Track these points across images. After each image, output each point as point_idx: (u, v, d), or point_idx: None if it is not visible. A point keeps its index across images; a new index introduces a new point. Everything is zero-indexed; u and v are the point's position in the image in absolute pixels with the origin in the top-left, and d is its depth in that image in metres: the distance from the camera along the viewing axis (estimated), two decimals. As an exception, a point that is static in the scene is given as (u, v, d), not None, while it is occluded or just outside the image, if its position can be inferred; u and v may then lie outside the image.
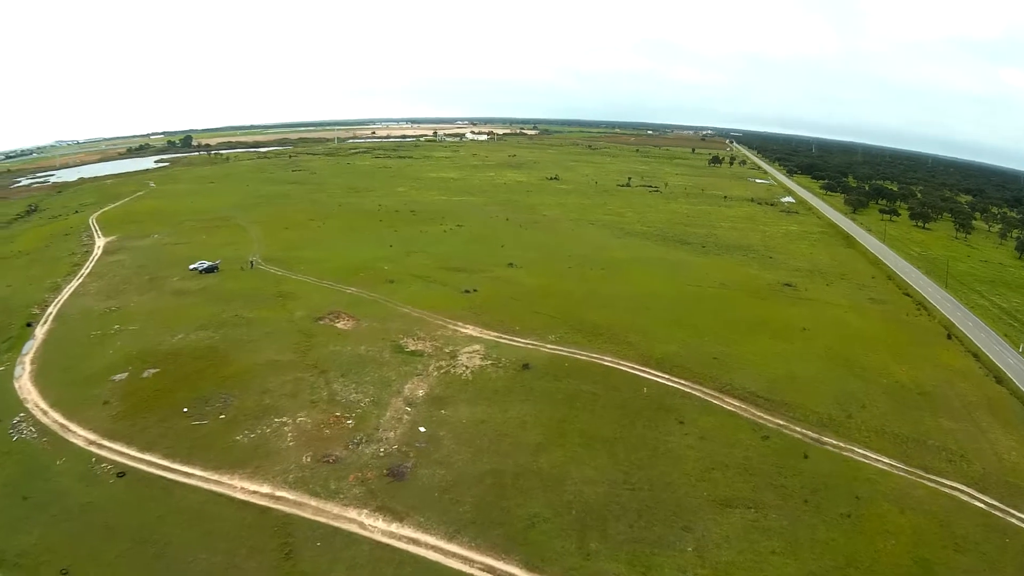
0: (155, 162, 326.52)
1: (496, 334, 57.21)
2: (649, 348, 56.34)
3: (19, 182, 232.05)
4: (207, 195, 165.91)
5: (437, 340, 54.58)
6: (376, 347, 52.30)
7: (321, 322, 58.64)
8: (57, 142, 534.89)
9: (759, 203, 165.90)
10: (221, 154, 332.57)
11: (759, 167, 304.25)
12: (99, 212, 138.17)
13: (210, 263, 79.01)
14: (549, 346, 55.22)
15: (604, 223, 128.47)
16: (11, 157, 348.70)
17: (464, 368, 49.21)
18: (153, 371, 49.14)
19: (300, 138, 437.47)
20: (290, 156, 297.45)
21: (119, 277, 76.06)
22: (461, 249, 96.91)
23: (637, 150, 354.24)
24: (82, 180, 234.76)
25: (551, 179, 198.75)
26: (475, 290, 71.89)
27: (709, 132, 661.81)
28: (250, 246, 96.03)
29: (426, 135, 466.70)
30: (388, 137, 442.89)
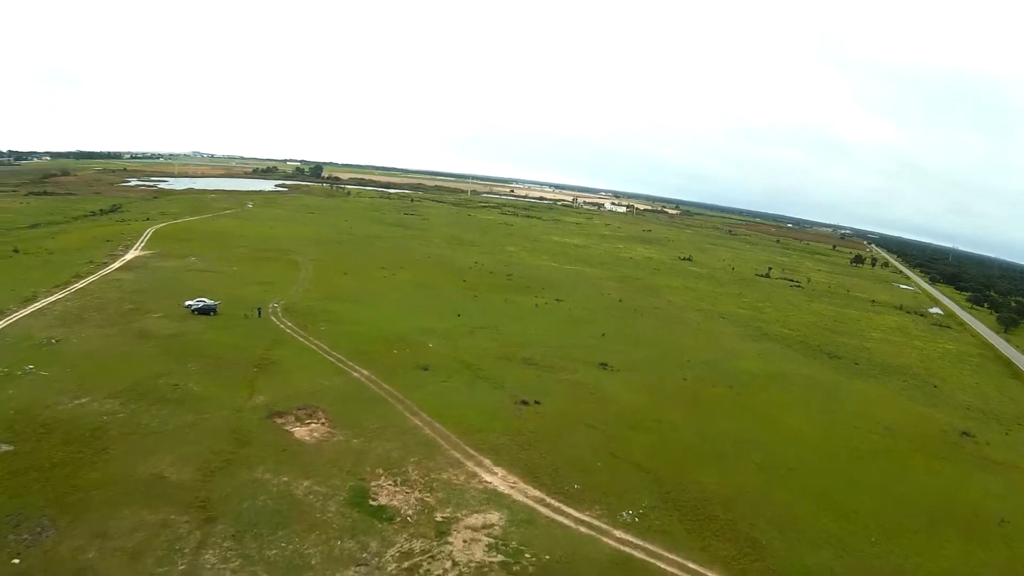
0: (275, 186, 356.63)
1: (536, 494, 38.20)
2: (790, 559, 34.97)
3: (128, 182, 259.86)
4: (292, 225, 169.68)
5: (432, 492, 36.63)
6: (327, 487, 35.79)
7: (277, 421, 43.68)
8: (194, 152, 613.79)
9: (908, 312, 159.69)
10: (344, 188, 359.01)
11: (900, 272, 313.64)
12: (165, 224, 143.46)
13: (208, 303, 70.11)
14: (618, 534, 35.17)
15: (738, 319, 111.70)
16: (137, 158, 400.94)
17: (447, 568, 31.20)
18: (6, 448, 37.47)
19: (437, 186, 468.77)
20: (412, 200, 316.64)
21: (100, 301, 68.70)
22: (546, 333, 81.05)
23: (778, 241, 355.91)
24: (188, 191, 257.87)
25: (684, 259, 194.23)
26: (537, 402, 53.78)
27: (847, 232, 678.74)
28: (284, 289, 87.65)
29: (564, 200, 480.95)
30: (525, 197, 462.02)
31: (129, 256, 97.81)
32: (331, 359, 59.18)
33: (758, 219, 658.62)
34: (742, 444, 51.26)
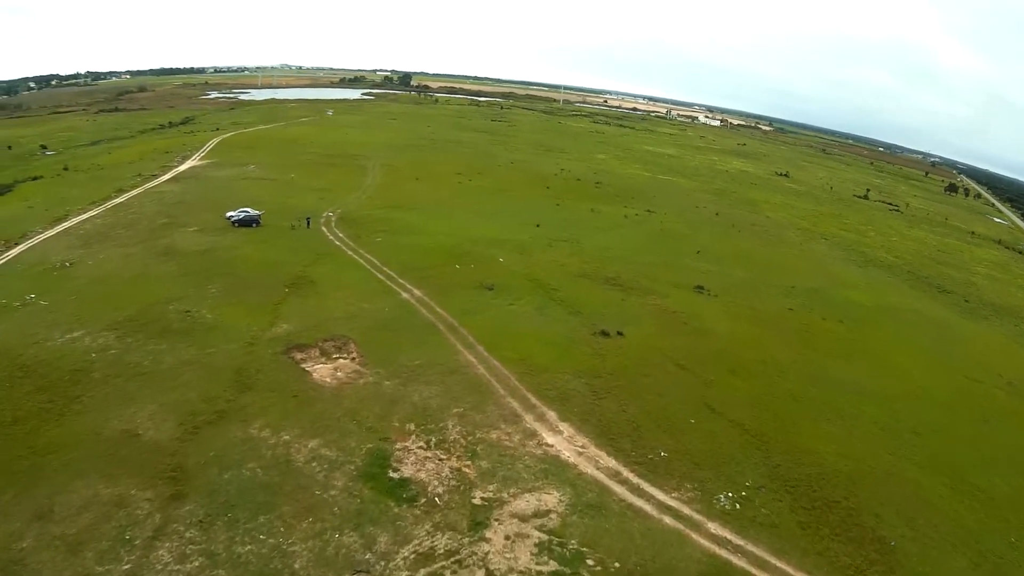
0: (361, 94, 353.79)
1: (610, 464, 29.04)
2: (923, 568, 26.11)
3: (208, 95, 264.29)
4: (368, 131, 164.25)
5: (474, 461, 28.18)
6: (338, 450, 28.13)
7: (296, 357, 36.69)
8: (282, 65, 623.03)
9: (1008, 248, 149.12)
10: (432, 96, 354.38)
11: (992, 204, 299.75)
12: (233, 134, 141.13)
13: (251, 213, 64.38)
14: (713, 528, 25.71)
15: (840, 241, 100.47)
16: (220, 71, 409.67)
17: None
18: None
19: (528, 95, 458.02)
20: (501, 107, 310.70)
21: (134, 216, 64.52)
22: (634, 248, 71.46)
23: (872, 163, 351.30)
24: (268, 101, 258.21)
25: (781, 175, 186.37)
26: (620, 333, 44.08)
27: (936, 160, 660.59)
28: (345, 196, 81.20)
29: (657, 112, 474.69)
30: (618, 108, 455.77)
31: (183, 167, 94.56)
32: (379, 276, 51.62)
33: (849, 140, 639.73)
34: (860, 396, 41.20)
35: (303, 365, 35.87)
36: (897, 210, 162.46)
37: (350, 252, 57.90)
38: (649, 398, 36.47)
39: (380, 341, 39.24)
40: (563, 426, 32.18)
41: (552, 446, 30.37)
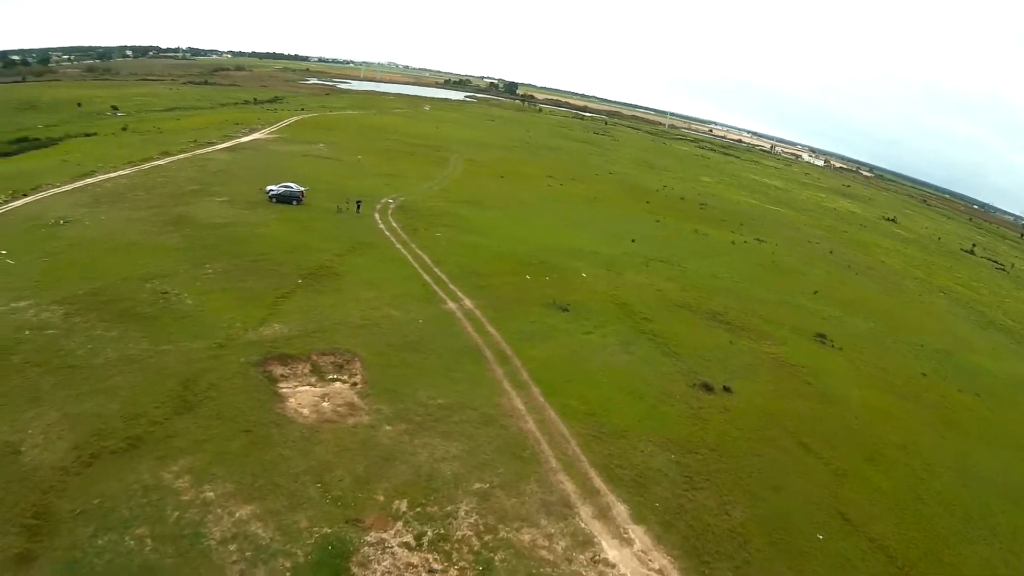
0: (464, 96, 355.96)
1: None
2: None
3: (307, 81, 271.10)
4: (461, 127, 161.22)
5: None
6: (276, 530, 18.24)
7: (274, 373, 27.68)
8: (389, 63, 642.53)
9: None
10: (536, 105, 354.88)
11: None
12: (315, 115, 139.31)
13: (293, 189, 57.86)
14: None
15: (957, 297, 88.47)
16: (324, 61, 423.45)
17: None
18: None
19: (633, 116, 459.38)
20: (606, 123, 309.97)
21: (163, 180, 59.60)
22: (743, 279, 61.46)
23: (970, 219, 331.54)
24: (367, 92, 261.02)
25: (888, 220, 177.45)
26: (727, 388, 33.28)
27: None
28: (414, 185, 74.26)
29: (761, 146, 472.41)
30: (722, 138, 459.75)
31: (246, 139, 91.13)
32: (425, 278, 42.74)
33: (945, 195, 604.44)
34: (1014, 504, 30.34)
35: (279, 385, 27.01)
36: (1003, 269, 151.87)
37: (398, 245, 49.52)
38: (763, 494, 25.31)
39: (397, 363, 29.97)
40: (635, 531, 21.53)
41: (614, 567, 19.92)
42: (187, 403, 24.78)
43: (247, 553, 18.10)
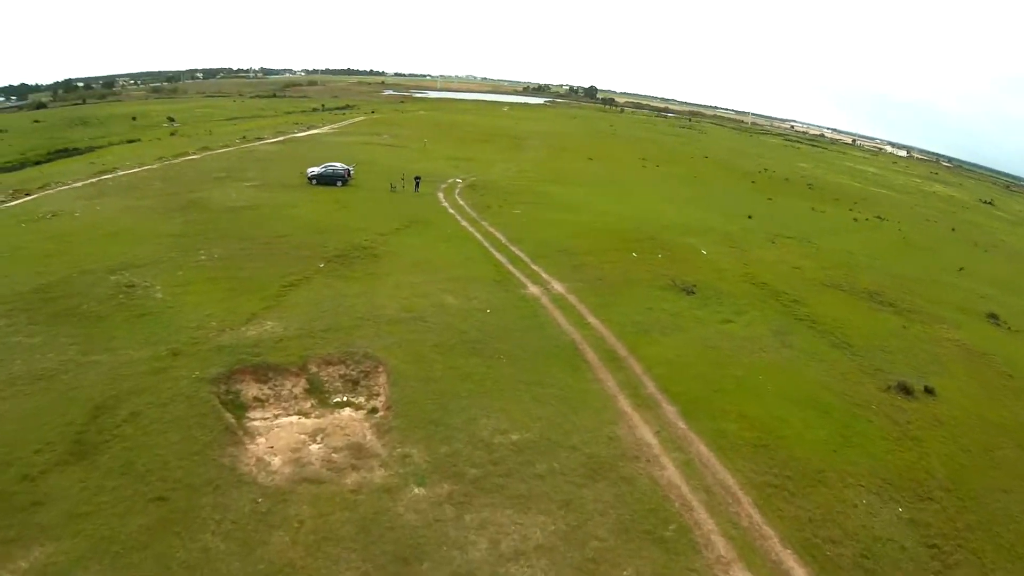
0: (544, 101, 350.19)
1: None
2: None
3: (384, 92, 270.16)
4: (541, 122, 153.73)
5: None
6: None
7: (236, 396, 17.70)
8: (467, 75, 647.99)
9: None
10: (618, 107, 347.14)
11: None
12: (386, 115, 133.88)
13: (337, 168, 49.53)
14: None
15: None
16: (401, 75, 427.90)
17: None
18: None
19: (715, 115, 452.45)
20: (689, 119, 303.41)
21: (187, 170, 52.98)
22: (881, 255, 52.17)
23: None
24: (443, 100, 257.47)
25: (986, 203, 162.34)
26: (928, 391, 22.49)
27: None
28: (486, 167, 65.91)
29: (843, 141, 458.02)
30: (804, 133, 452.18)
31: (303, 134, 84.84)
32: (497, 257, 32.58)
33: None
34: None
35: (248, 415, 17.05)
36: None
37: (464, 223, 39.62)
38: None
39: (445, 375, 19.45)
40: None
41: None
42: (84, 446, 15.20)
43: None
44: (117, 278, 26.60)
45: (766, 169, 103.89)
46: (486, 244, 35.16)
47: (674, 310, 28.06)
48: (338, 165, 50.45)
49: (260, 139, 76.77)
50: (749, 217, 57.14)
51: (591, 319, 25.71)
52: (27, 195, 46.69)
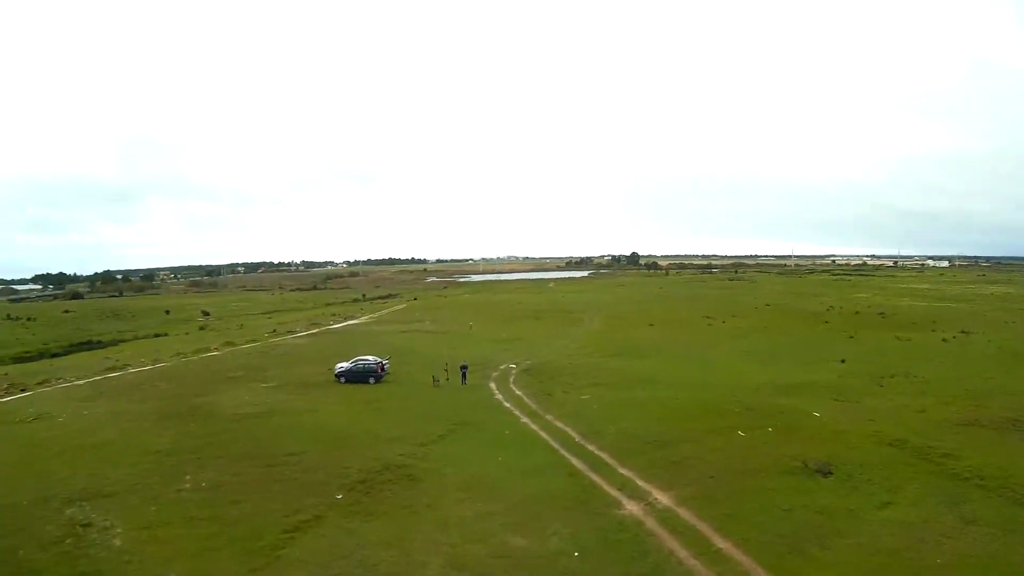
0: (588, 273, 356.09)
1: None
2: None
3: (427, 279, 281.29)
4: (590, 293, 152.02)
5: None
6: None
7: None
8: (509, 256, 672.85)
9: None
10: (660, 268, 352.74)
11: None
12: (428, 300, 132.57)
13: (368, 363, 44.24)
14: None
15: None
16: (443, 262, 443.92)
17: None
18: None
19: (757, 264, 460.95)
20: (735, 271, 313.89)
21: (201, 369, 49.63)
22: (992, 373, 47.28)
23: None
24: (487, 281, 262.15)
25: None
26: None
27: None
28: (542, 346, 60.42)
29: (884, 264, 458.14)
30: (846, 265, 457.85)
31: (338, 325, 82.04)
32: (572, 463, 25.29)
33: None
34: None
35: None
36: None
37: (525, 419, 32.76)
38: None
39: None
40: None
41: None
42: None
43: None
44: (74, 512, 20.88)
45: (830, 307, 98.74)
46: (555, 444, 28.00)
47: (818, 505, 20.90)
48: (370, 359, 45.22)
49: (292, 332, 73.75)
50: (842, 361, 51.00)
51: (719, 541, 18.21)
52: (23, 391, 44.72)
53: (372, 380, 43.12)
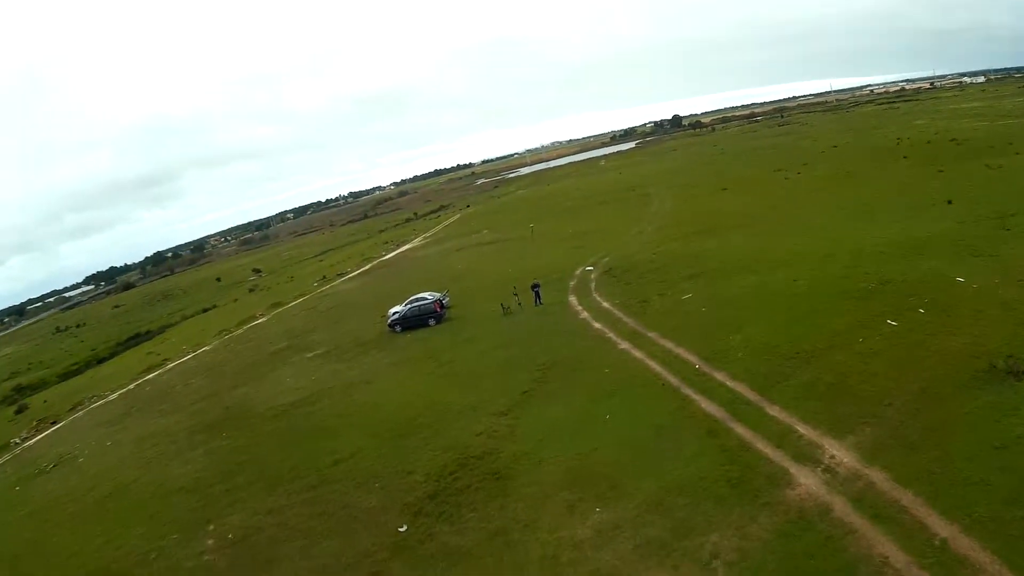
0: (635, 144, 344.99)
1: None
2: None
3: (476, 182, 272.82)
4: (645, 165, 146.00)
5: None
6: None
7: None
8: (552, 143, 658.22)
9: None
10: (705, 126, 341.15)
11: None
12: (480, 206, 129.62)
13: (425, 302, 38.48)
14: None
15: None
16: (488, 161, 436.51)
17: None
18: None
19: (798, 105, 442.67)
20: (781, 116, 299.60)
21: (244, 346, 45.99)
22: None
23: None
24: (537, 172, 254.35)
25: None
26: None
27: None
28: (617, 236, 53.81)
29: (923, 87, 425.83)
30: (884, 93, 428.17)
31: (390, 255, 78.83)
32: (706, 408, 18.52)
33: None
34: None
35: None
36: None
37: (624, 344, 26.32)
38: None
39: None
40: None
41: None
42: None
43: None
44: None
45: (899, 139, 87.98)
46: (674, 381, 21.34)
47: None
48: (427, 296, 39.71)
49: (342, 274, 70.24)
50: (949, 203, 41.40)
51: (940, 527, 11.80)
52: (53, 423, 40.99)
53: (432, 322, 37.66)
